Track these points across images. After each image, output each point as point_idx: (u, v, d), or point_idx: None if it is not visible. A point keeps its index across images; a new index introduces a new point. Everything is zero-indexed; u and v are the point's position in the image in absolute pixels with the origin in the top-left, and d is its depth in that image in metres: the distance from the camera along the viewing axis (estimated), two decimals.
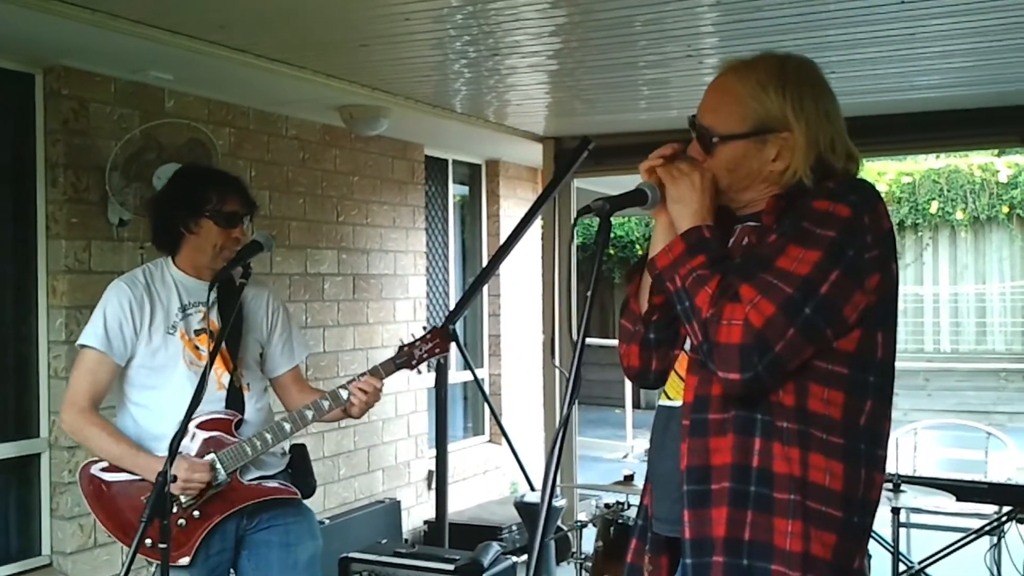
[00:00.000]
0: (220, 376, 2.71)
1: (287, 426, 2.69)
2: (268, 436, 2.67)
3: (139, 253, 4.30)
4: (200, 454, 2.64)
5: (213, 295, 2.72)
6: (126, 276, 2.76)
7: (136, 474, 2.62)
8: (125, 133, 4.09)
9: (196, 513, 2.62)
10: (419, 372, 2.84)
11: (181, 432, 2.40)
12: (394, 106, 4.94)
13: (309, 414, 2.71)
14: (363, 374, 2.77)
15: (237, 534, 2.72)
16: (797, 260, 1.60)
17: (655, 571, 1.86)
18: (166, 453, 2.49)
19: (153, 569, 2.59)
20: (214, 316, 2.75)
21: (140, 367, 2.68)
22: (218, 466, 2.63)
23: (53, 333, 4.06)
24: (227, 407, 2.71)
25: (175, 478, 2.40)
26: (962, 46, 3.92)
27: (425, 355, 2.80)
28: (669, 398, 1.84)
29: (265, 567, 2.76)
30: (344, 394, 2.72)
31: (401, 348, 2.82)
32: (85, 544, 4.11)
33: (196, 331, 2.72)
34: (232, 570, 2.80)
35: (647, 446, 2.00)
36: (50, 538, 4.09)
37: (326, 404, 2.72)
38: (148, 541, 2.52)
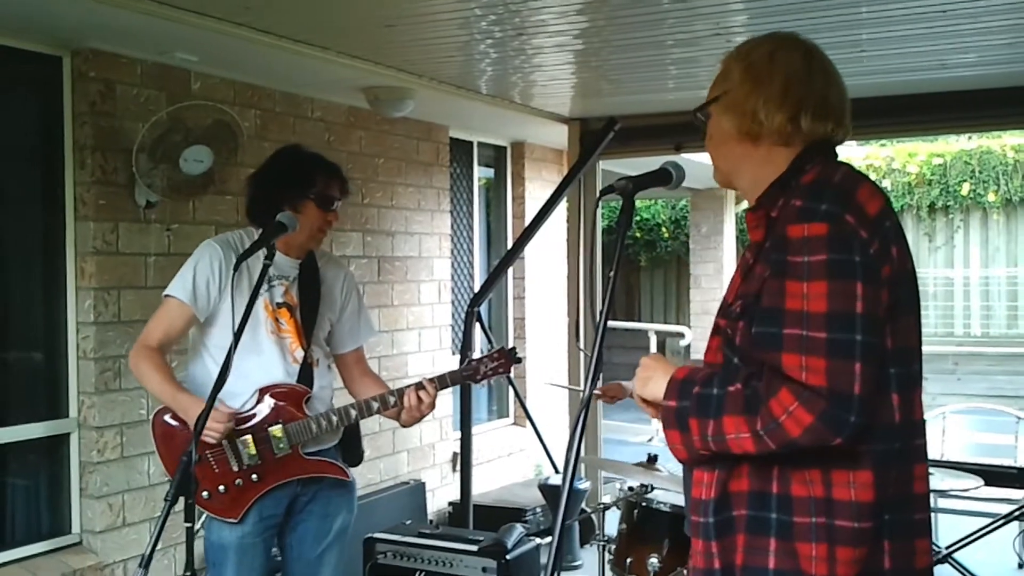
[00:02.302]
0: (295, 351, 2.85)
1: (353, 412, 2.83)
2: (334, 418, 2.81)
3: (166, 235, 4.33)
4: (268, 421, 2.77)
5: (295, 271, 2.87)
6: (219, 237, 2.89)
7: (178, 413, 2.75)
8: (152, 115, 4.10)
9: (254, 477, 2.75)
10: (482, 386, 3.02)
11: (208, 408, 2.44)
12: (419, 87, 4.92)
13: (375, 405, 2.85)
14: (431, 379, 2.87)
15: (289, 500, 2.85)
16: (804, 297, 1.52)
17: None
18: (234, 406, 2.71)
19: (203, 519, 2.75)
20: (295, 292, 2.88)
21: (222, 327, 2.79)
22: (281, 435, 2.76)
23: (82, 314, 4.10)
24: (298, 380, 2.84)
25: (197, 458, 2.44)
26: (999, 22, 3.83)
27: (490, 372, 2.94)
28: None
29: (301, 535, 2.92)
30: (391, 400, 2.85)
31: (469, 362, 2.96)
32: (114, 523, 4.15)
33: (278, 304, 2.85)
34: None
35: None
36: (80, 517, 4.14)
37: (391, 400, 2.84)
38: (205, 493, 2.71)
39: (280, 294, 2.86)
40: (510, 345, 3.09)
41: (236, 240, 2.87)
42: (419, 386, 2.83)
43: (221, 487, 2.74)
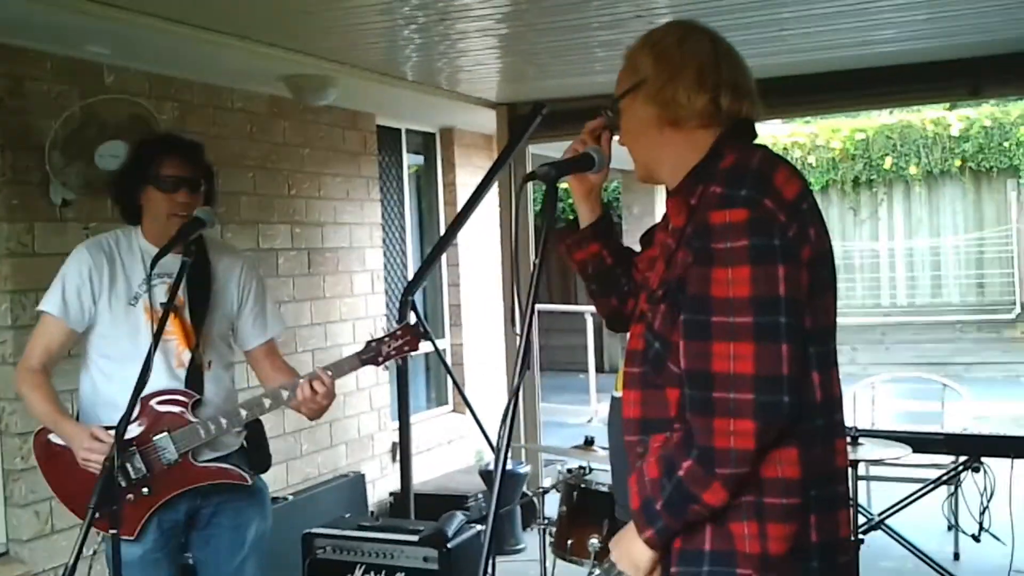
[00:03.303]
0: (181, 353, 2.66)
1: (243, 412, 2.66)
2: (223, 421, 2.63)
3: (84, 233, 4.18)
4: (152, 430, 2.61)
5: (178, 267, 2.63)
6: (90, 241, 2.72)
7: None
8: (63, 111, 3.97)
9: (145, 490, 2.60)
10: (385, 368, 2.79)
11: (128, 414, 2.34)
12: (342, 75, 4.84)
13: (267, 403, 2.67)
14: (326, 368, 2.69)
15: (189, 512, 2.71)
16: (729, 283, 1.54)
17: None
18: (115, 417, 2.49)
19: (99, 539, 2.58)
20: (180, 290, 2.67)
21: (101, 335, 2.65)
22: (167, 444, 2.60)
23: None
24: (186, 385, 2.66)
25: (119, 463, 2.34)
26: None
27: (393, 352, 2.75)
28: (617, 389, 1.85)
29: (214, 549, 2.77)
30: (285, 394, 2.66)
31: (368, 344, 2.76)
32: (42, 531, 4.03)
33: (162, 304, 2.64)
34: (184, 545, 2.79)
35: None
36: (5, 526, 4.01)
37: (285, 394, 2.66)
38: (96, 513, 2.50)
39: (163, 293, 2.64)
40: (422, 323, 2.88)
41: (110, 241, 2.71)
42: (313, 376, 2.65)
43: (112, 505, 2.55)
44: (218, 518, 2.74)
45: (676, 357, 1.63)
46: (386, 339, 2.75)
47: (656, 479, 1.62)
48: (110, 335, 2.64)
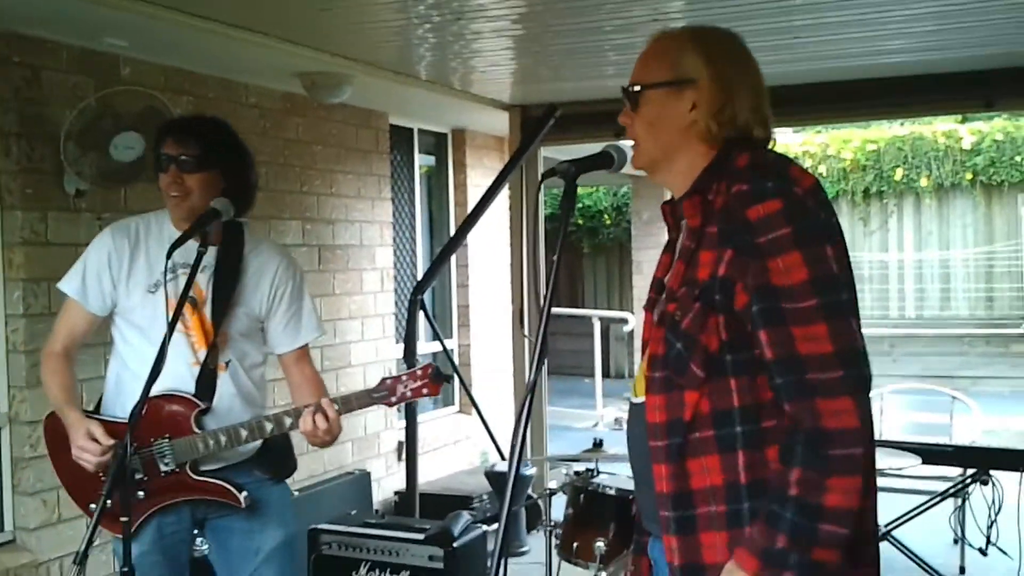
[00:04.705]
0: (197, 351, 2.53)
1: (243, 433, 2.52)
2: (222, 438, 2.50)
3: (97, 224, 4.20)
4: (152, 433, 2.51)
5: (210, 257, 2.53)
6: (118, 224, 2.64)
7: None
8: (80, 101, 3.99)
9: (140, 493, 2.51)
10: (399, 411, 2.62)
11: (140, 407, 2.29)
12: (357, 73, 4.85)
13: (268, 427, 2.53)
14: (333, 400, 2.53)
15: (196, 517, 2.63)
16: (784, 271, 1.56)
17: (636, 572, 1.86)
18: (127, 409, 2.44)
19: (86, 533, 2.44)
20: (204, 281, 2.56)
21: (123, 322, 2.59)
22: (167, 452, 2.51)
23: (10, 307, 3.97)
24: (198, 387, 2.53)
25: (125, 448, 2.28)
26: (929, 9, 3.90)
27: (409, 394, 2.54)
28: (636, 395, 1.80)
29: (225, 553, 2.66)
30: (288, 422, 2.53)
31: (383, 381, 2.56)
32: (49, 520, 4.04)
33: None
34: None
35: (617, 415, 1.97)
36: (12, 514, 4.03)
37: (288, 422, 2.53)
38: (92, 505, 2.48)
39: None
40: (440, 373, 2.57)
41: (139, 225, 2.61)
42: (317, 408, 2.47)
43: (108, 501, 2.44)
44: (229, 521, 2.62)
45: (700, 358, 1.61)
46: (403, 378, 2.54)
47: (764, 520, 1.55)
48: (129, 321, 2.57)
